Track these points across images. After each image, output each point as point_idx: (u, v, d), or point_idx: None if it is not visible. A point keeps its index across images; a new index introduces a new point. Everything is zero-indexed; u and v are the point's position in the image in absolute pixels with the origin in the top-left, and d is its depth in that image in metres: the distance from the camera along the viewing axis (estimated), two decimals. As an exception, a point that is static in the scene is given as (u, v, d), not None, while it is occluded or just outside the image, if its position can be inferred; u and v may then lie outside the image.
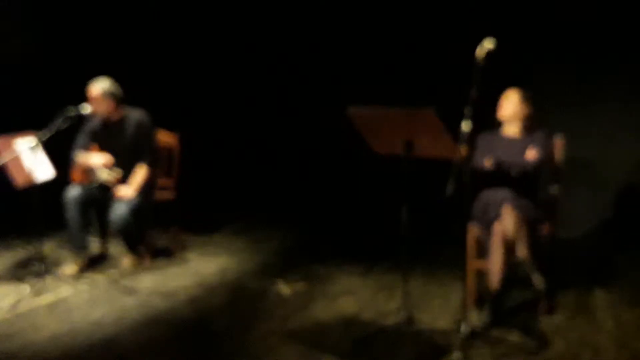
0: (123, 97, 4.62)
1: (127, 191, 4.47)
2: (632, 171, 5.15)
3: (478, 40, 3.16)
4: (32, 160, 4.16)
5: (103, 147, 4.63)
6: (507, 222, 3.40)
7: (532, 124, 3.76)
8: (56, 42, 6.67)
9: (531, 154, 3.64)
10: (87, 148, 4.66)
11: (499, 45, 3.11)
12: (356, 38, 6.06)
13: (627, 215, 5.18)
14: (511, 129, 3.81)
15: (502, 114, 3.79)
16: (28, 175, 4.28)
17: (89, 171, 4.54)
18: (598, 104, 5.17)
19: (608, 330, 3.41)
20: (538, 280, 3.32)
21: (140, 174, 4.57)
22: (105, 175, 4.38)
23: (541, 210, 3.65)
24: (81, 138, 4.68)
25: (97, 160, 4.51)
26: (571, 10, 5.13)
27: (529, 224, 3.45)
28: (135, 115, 4.64)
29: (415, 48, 5.74)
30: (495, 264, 3.46)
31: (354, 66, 6.07)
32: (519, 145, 3.73)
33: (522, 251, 3.37)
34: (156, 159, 4.75)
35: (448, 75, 4.90)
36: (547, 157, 3.69)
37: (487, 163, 3.69)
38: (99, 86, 4.48)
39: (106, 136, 4.65)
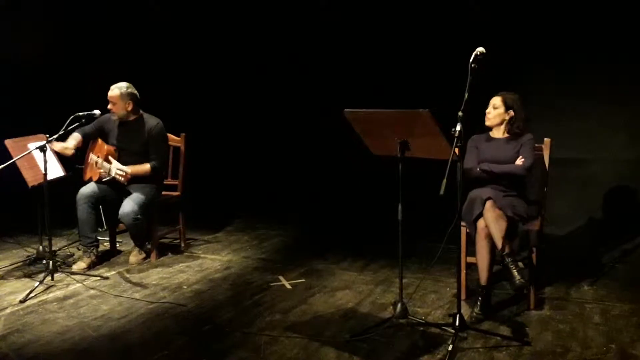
0: (139, 101, 4.74)
1: (113, 168, 4.45)
2: (617, 169, 5.19)
3: (471, 45, 3.21)
4: (43, 160, 4.26)
5: (118, 146, 4.74)
6: (487, 218, 3.49)
7: (519, 126, 3.80)
8: (67, 47, 6.73)
9: (520, 160, 3.70)
10: (89, 136, 4.76)
11: (489, 49, 3.16)
12: (355, 42, 6.10)
13: (614, 212, 5.22)
14: (499, 132, 3.88)
15: (487, 122, 3.86)
16: (39, 175, 4.38)
17: (99, 169, 4.62)
18: (584, 105, 5.21)
19: (596, 324, 3.45)
20: (517, 276, 3.34)
21: (143, 166, 4.65)
22: (115, 172, 4.44)
23: (530, 208, 3.72)
24: (89, 126, 4.76)
25: (97, 157, 4.61)
26: (558, 14, 5.18)
27: (511, 220, 3.52)
28: (151, 122, 4.75)
29: (411, 52, 5.78)
30: (482, 260, 3.55)
31: (353, 69, 6.10)
32: (507, 148, 3.79)
33: (502, 246, 3.43)
34: (163, 165, 4.85)
35: (442, 78, 4.94)
36: (535, 163, 3.75)
37: (477, 171, 3.76)
38: (118, 87, 4.63)
39: (121, 136, 4.76)
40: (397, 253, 3.40)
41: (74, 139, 4.68)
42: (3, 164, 4.13)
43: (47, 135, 4.47)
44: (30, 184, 4.51)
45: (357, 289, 4.12)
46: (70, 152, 4.64)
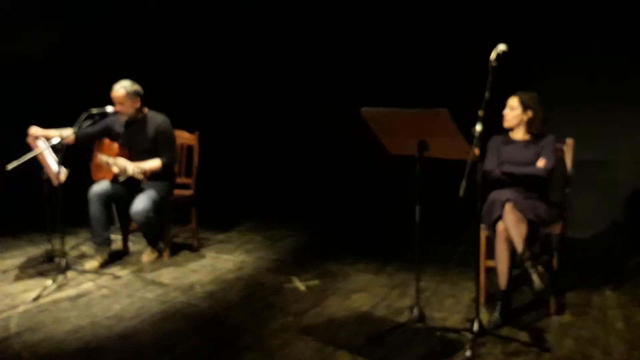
0: (145, 98, 4.69)
1: (130, 165, 4.37)
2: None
3: (491, 43, 3.17)
4: (52, 158, 4.25)
5: (125, 145, 4.70)
6: (506, 220, 3.42)
7: (540, 126, 3.72)
8: (76, 43, 6.74)
9: (542, 162, 3.63)
10: (93, 136, 4.72)
11: (511, 48, 3.11)
12: (372, 40, 6.08)
13: (636, 215, 5.14)
14: (519, 133, 3.79)
15: (505, 124, 3.78)
16: (54, 172, 4.35)
17: (112, 168, 4.57)
18: (608, 105, 5.14)
19: (618, 330, 3.39)
20: (537, 280, 3.27)
21: (152, 161, 4.59)
22: (132, 169, 4.37)
23: (552, 211, 3.64)
24: (95, 125, 4.69)
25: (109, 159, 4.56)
26: (581, 13, 5.11)
27: (532, 223, 3.45)
28: (157, 119, 4.70)
29: (430, 50, 5.74)
30: (501, 263, 3.48)
31: (369, 67, 6.08)
32: (528, 151, 3.72)
33: (520, 250, 3.36)
34: (173, 162, 4.80)
35: (462, 77, 4.90)
36: (557, 164, 3.67)
37: (497, 173, 3.70)
38: (123, 86, 4.56)
39: (128, 134, 4.72)
40: (414, 255, 3.35)
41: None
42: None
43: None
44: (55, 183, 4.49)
45: (373, 292, 4.08)
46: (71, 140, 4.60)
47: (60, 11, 6.57)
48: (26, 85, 6.36)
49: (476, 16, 5.46)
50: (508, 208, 3.43)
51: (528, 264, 3.33)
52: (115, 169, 4.47)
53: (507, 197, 3.47)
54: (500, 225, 3.47)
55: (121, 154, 4.64)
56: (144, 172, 4.32)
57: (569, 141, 3.87)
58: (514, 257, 3.46)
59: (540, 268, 3.38)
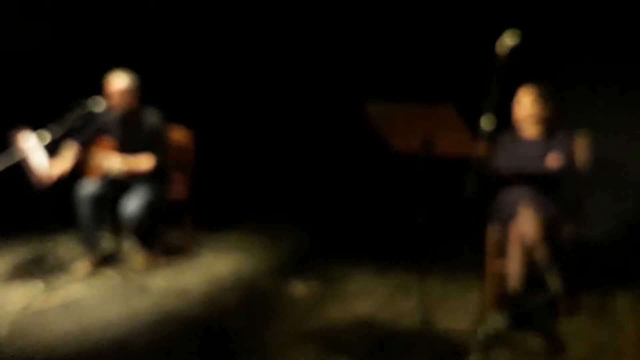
0: (140, 93, 4.59)
1: (116, 161, 4.33)
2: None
3: (500, 33, 3.10)
4: (40, 157, 4.16)
5: (119, 142, 4.61)
6: (525, 223, 3.33)
7: (552, 123, 3.64)
8: (70, 38, 6.69)
9: (552, 160, 3.54)
10: (90, 140, 4.59)
11: (522, 39, 3.04)
12: (373, 33, 6.03)
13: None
14: (530, 129, 3.70)
15: (516, 117, 3.68)
16: (41, 173, 4.25)
17: (101, 166, 4.48)
18: (623, 101, 5.05)
19: (630, 334, 3.34)
20: (554, 283, 3.24)
21: (143, 159, 4.49)
22: (119, 167, 4.30)
23: (563, 210, 3.57)
24: (88, 131, 4.56)
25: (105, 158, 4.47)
26: (597, 4, 5.04)
27: (547, 223, 3.36)
28: (152, 116, 4.59)
29: (434, 41, 5.68)
30: (513, 265, 3.39)
31: (370, 62, 6.02)
32: (539, 148, 3.63)
33: (540, 253, 3.29)
34: (167, 160, 4.70)
35: (468, 70, 4.83)
36: (569, 163, 3.60)
37: (507, 172, 3.62)
38: (124, 80, 4.44)
39: (123, 131, 4.61)
40: (418, 256, 3.31)
41: (71, 149, 4.48)
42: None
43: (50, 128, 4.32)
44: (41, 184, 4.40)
45: (375, 294, 4.02)
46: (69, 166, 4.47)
47: (57, 8, 6.52)
48: (22, 83, 6.29)
49: (488, 3, 5.37)
50: (523, 208, 3.36)
51: (543, 266, 3.27)
52: (103, 166, 4.43)
53: (523, 197, 3.40)
54: (513, 226, 3.39)
55: (113, 150, 4.56)
56: (130, 171, 4.23)
57: (582, 138, 3.78)
58: (527, 259, 3.37)
59: (554, 270, 3.33)
